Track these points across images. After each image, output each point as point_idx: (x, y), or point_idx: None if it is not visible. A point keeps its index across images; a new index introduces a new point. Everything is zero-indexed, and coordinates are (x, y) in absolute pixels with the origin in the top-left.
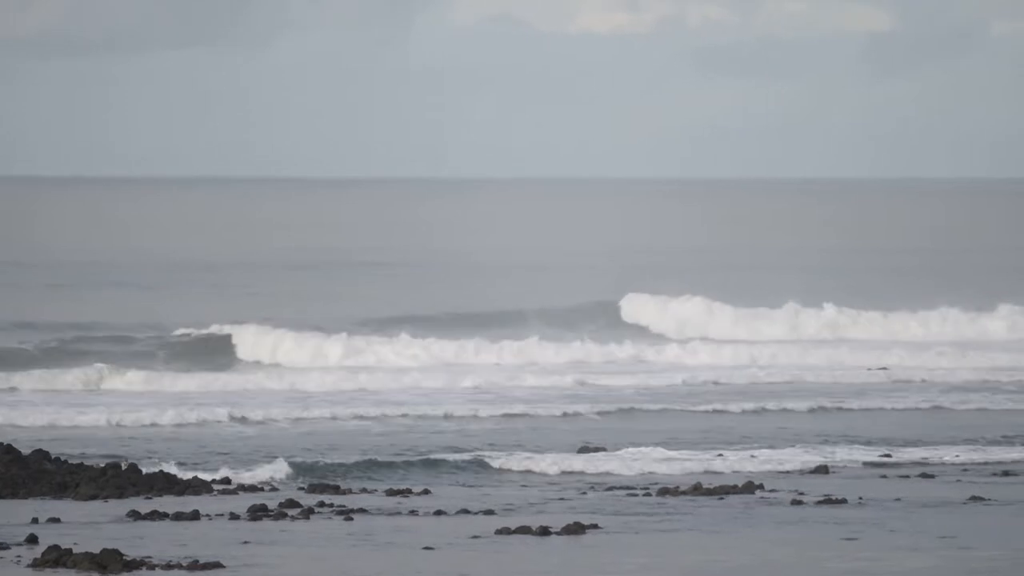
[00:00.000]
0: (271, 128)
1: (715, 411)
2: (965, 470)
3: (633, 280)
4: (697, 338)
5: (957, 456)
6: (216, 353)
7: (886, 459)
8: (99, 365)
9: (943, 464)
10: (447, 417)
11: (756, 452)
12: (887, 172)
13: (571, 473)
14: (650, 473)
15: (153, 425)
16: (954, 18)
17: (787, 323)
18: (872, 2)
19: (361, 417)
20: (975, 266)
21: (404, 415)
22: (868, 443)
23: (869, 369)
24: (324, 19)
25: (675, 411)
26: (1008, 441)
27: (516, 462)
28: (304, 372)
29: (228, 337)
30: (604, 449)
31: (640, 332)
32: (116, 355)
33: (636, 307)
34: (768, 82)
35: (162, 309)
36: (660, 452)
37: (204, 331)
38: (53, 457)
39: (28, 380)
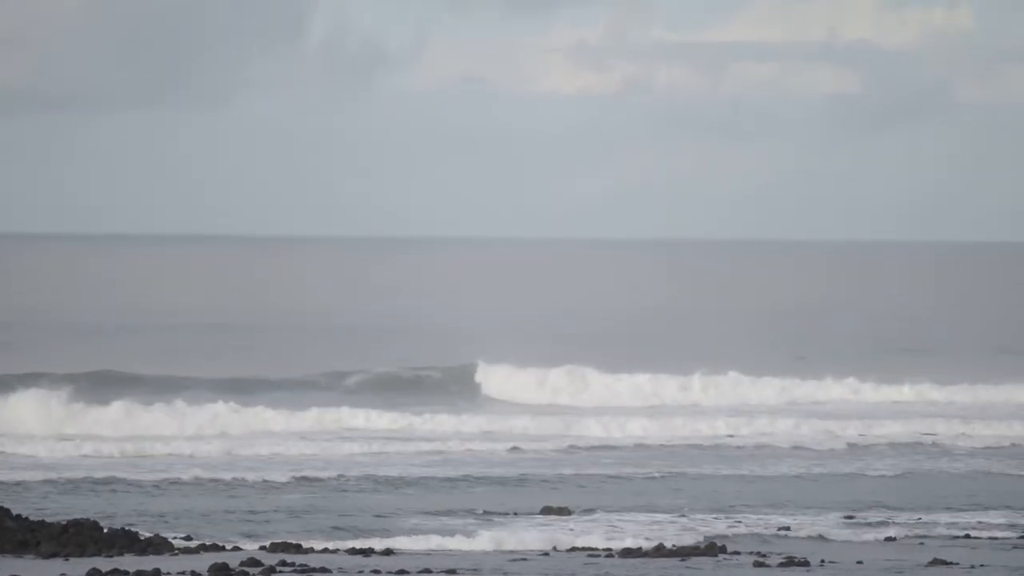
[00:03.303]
0: (228, 187)
1: (671, 474)
2: (927, 534)
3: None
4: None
5: (919, 518)
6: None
7: (847, 520)
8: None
9: (905, 525)
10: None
11: (716, 514)
12: (851, 234)
13: (535, 533)
14: (613, 534)
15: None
16: (919, 82)
17: (733, 390)
18: (839, 66)
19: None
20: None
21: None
22: (824, 506)
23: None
24: (284, 79)
25: (629, 475)
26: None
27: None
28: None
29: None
30: (568, 510)
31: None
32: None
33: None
34: (734, 144)
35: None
36: (621, 514)
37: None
38: (14, 515)
39: None
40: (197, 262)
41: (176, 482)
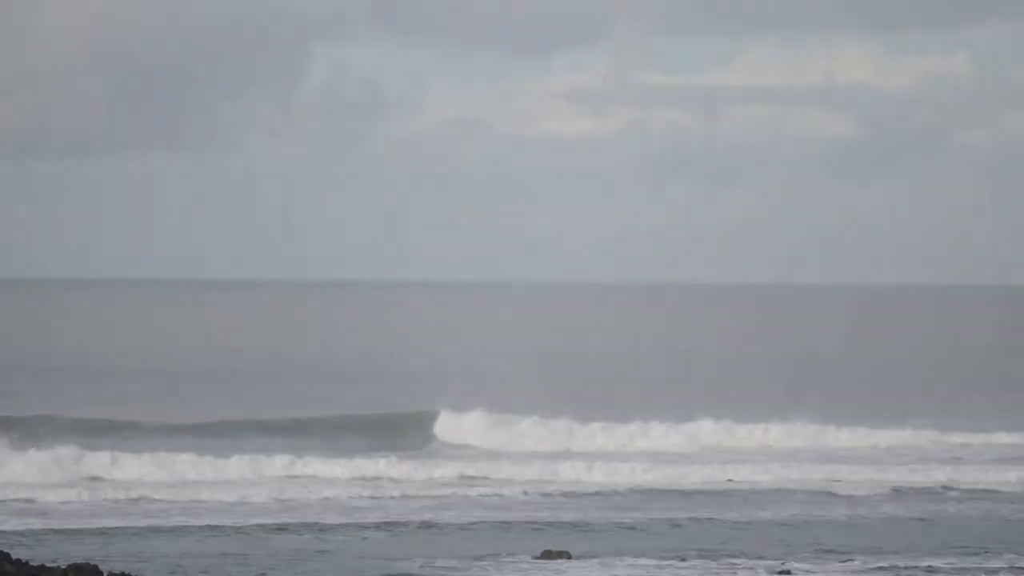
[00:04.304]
0: (233, 231)
1: (670, 519)
2: None
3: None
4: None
5: (919, 563)
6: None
7: (847, 565)
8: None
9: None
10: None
11: (715, 559)
12: (849, 277)
13: None
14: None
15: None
16: (917, 125)
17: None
18: (836, 109)
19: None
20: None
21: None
22: (824, 551)
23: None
24: (283, 125)
25: (627, 520)
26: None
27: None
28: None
29: None
30: (568, 554)
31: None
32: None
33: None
34: (733, 187)
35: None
36: (622, 558)
37: None
38: (14, 559)
39: None
40: (184, 308)
41: (175, 528)
